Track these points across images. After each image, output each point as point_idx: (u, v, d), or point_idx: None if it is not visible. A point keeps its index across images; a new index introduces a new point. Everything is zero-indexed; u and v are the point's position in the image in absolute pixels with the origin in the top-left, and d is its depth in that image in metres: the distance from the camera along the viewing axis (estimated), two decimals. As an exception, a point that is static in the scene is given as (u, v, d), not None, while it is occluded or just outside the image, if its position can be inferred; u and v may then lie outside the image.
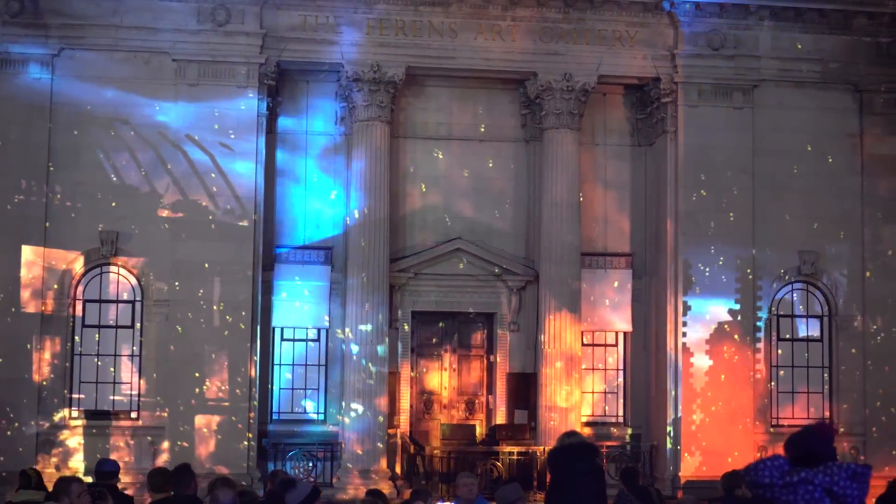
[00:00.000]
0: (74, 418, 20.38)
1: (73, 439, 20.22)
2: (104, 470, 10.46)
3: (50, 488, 10.82)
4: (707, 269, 21.49)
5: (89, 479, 13.61)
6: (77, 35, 20.44)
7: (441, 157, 22.55)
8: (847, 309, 22.26)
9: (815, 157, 22.21)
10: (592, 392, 22.66)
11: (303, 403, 21.96)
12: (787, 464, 5.61)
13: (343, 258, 21.57)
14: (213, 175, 20.52)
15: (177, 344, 20.23)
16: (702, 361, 21.32)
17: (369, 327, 20.78)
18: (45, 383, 20.14)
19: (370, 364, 20.73)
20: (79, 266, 20.51)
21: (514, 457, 20.41)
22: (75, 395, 20.45)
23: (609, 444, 21.68)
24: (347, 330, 21.02)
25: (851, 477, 5.55)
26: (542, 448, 20.29)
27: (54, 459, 19.89)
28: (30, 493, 9.96)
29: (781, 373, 22.24)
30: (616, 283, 22.49)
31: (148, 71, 20.71)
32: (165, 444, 20.09)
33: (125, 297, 20.83)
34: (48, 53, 20.36)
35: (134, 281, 20.77)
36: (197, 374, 20.14)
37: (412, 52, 21.30)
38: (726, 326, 21.47)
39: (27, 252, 20.15)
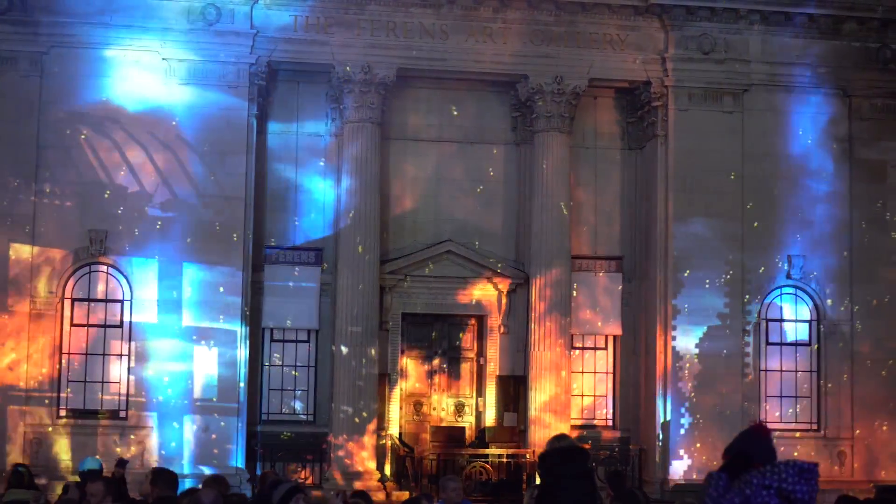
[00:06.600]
0: (62, 417, 20.26)
1: (61, 438, 20.10)
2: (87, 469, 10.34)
3: (39, 487, 10.76)
4: (697, 273, 21.51)
5: (76, 479, 13.53)
6: (66, 33, 20.34)
7: (431, 159, 22.52)
8: (835, 313, 22.30)
9: (804, 162, 22.27)
10: (582, 395, 22.67)
11: (292, 405, 21.91)
12: (723, 477, 5.56)
13: (333, 259, 21.52)
14: (202, 175, 20.45)
15: (165, 343, 20.14)
16: (691, 365, 21.35)
17: (359, 329, 20.74)
18: (32, 382, 20.03)
19: (360, 366, 20.69)
20: (67, 265, 20.40)
21: (504, 459, 20.38)
22: (63, 395, 20.34)
23: (598, 447, 21.65)
24: (337, 331, 20.97)
25: (799, 474, 5.47)
26: (531, 451, 20.30)
27: (42, 458, 19.75)
28: (20, 493, 9.90)
29: (770, 377, 22.27)
30: (606, 287, 22.48)
31: (138, 70, 20.63)
32: (154, 444, 20.00)
33: (114, 296, 20.74)
34: (37, 51, 20.27)
35: (123, 280, 20.68)
36: (186, 374, 20.08)
37: (403, 53, 21.27)
38: (715, 330, 21.50)
39: (15, 250, 20.05)
